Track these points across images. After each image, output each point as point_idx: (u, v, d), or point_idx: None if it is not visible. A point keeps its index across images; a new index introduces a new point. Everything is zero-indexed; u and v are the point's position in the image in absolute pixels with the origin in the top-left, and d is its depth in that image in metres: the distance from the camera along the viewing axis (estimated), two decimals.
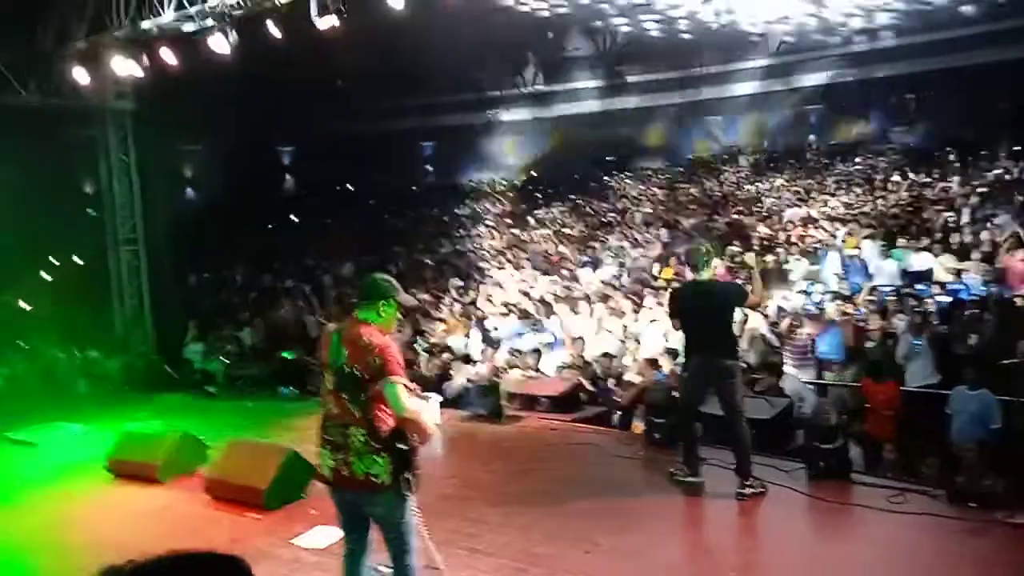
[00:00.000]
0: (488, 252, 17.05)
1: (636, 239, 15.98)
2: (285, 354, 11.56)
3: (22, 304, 13.75)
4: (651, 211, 18.08)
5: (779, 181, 18.44)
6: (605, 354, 9.88)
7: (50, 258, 15.52)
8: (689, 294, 6.39)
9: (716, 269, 11.78)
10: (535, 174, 23.82)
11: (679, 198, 19.05)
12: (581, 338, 10.49)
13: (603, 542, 5.43)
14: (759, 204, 16.93)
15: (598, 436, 8.12)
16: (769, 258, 12.73)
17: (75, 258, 15.73)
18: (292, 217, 22.50)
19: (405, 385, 3.83)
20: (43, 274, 15.03)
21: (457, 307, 12.90)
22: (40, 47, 11.30)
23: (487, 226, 19.69)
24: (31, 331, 12.89)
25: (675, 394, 8.05)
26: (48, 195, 13.52)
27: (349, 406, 3.87)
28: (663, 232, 15.96)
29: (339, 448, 3.91)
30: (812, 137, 21.42)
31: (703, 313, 6.13)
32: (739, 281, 9.93)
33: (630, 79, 22.49)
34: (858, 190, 16.47)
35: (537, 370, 10.09)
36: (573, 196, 21.11)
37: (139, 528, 6.25)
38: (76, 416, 9.64)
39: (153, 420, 9.07)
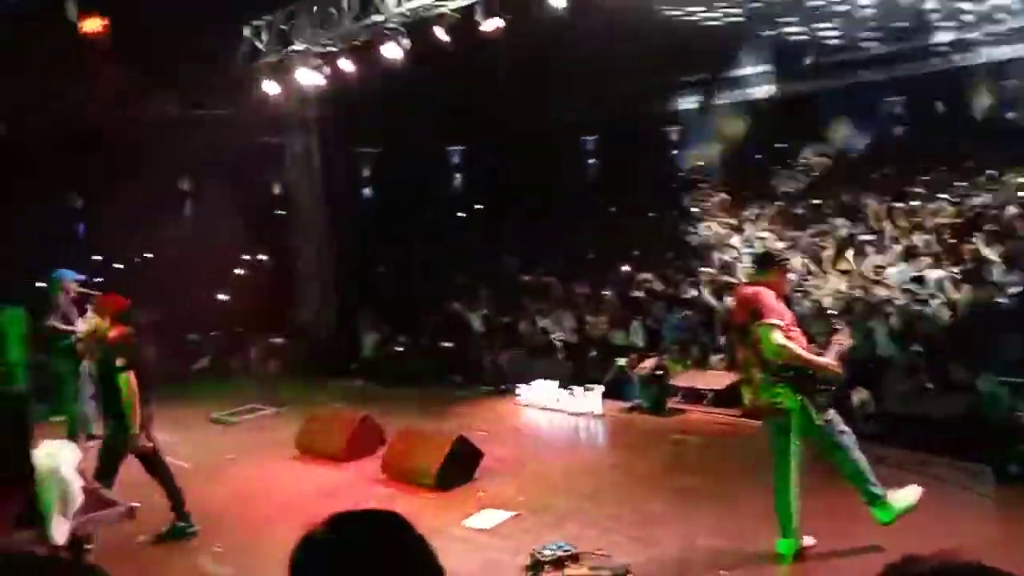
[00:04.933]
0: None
1: None
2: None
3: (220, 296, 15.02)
4: None
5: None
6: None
7: (244, 256, 16.88)
8: None
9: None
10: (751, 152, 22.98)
11: None
12: None
13: (765, 537, 5.33)
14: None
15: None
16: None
17: (263, 256, 17.05)
18: (460, 214, 23.15)
19: (777, 325, 4.58)
20: (237, 271, 16.37)
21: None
22: (232, 63, 12.40)
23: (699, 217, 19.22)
24: (228, 321, 14.11)
25: (850, 391, 7.75)
26: (241, 197, 14.70)
27: (747, 350, 4.77)
28: None
29: (749, 385, 4.84)
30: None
31: None
32: None
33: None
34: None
35: None
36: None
37: (321, 503, 6.76)
38: (270, 398, 10.55)
39: (336, 403, 9.76)
